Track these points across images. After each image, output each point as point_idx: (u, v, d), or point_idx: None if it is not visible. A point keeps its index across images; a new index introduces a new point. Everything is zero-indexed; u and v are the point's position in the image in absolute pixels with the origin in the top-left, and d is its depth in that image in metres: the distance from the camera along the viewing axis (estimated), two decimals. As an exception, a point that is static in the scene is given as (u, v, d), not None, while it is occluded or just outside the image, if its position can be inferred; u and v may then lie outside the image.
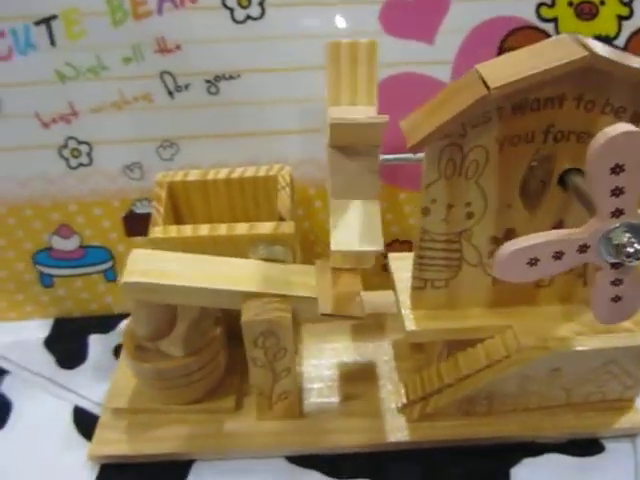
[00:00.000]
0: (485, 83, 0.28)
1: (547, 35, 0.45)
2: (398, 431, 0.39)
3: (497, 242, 0.35)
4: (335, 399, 0.41)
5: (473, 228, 0.34)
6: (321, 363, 0.43)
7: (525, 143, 0.31)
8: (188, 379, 0.37)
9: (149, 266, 0.35)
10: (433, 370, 0.39)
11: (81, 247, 0.48)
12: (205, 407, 0.40)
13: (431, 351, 0.41)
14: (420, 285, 0.37)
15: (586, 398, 0.39)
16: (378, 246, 0.30)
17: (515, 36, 0.45)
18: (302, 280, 0.36)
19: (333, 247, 0.30)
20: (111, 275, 0.49)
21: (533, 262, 0.29)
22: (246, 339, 0.34)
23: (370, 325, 0.46)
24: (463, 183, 0.32)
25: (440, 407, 0.38)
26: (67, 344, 0.48)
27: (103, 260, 0.49)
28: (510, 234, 0.35)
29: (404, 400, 0.40)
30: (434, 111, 0.29)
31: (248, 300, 0.34)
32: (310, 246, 0.49)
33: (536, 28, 0.45)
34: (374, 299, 0.46)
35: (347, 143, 0.31)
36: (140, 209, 0.47)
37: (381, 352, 0.44)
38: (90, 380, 0.44)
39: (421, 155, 0.33)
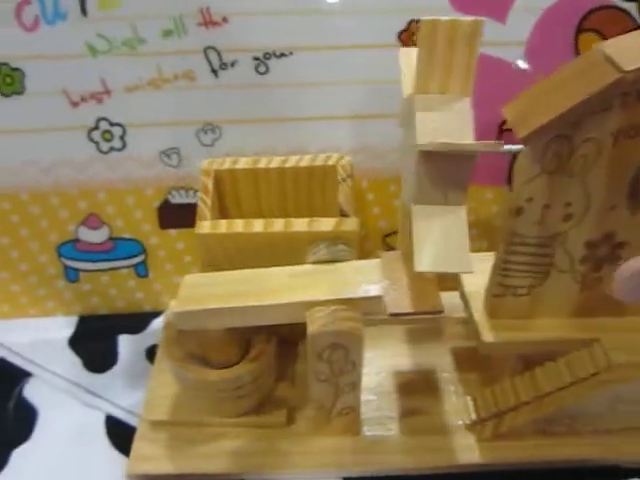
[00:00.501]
0: (615, 65, 0.24)
1: (629, 16, 0.41)
2: (468, 451, 0.35)
3: (592, 247, 0.31)
4: (394, 413, 0.37)
5: (569, 231, 0.30)
6: (374, 372, 0.40)
7: (643, 136, 0.27)
8: (239, 392, 0.34)
9: (203, 291, 0.32)
10: (507, 385, 0.35)
11: (110, 239, 0.44)
12: (254, 421, 0.36)
13: (501, 363, 0.37)
14: (500, 292, 0.33)
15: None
16: (468, 268, 0.27)
17: (594, 16, 0.41)
18: (369, 277, 0.32)
19: (417, 267, 0.26)
20: (142, 270, 0.45)
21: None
22: (311, 352, 0.30)
23: (426, 330, 0.42)
24: (566, 180, 0.28)
25: (516, 426, 0.35)
26: (94, 345, 0.44)
27: (134, 254, 0.45)
28: (609, 238, 0.31)
29: (473, 417, 0.36)
30: (548, 96, 0.25)
31: (312, 309, 0.30)
32: (361, 242, 0.45)
33: (617, 8, 0.40)
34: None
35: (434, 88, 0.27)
36: (176, 199, 0.43)
37: (440, 360, 0.41)
38: (122, 386, 0.41)
39: (516, 147, 0.29)
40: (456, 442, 0.36)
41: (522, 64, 0.40)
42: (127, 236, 0.44)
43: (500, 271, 0.32)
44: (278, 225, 0.34)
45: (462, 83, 0.28)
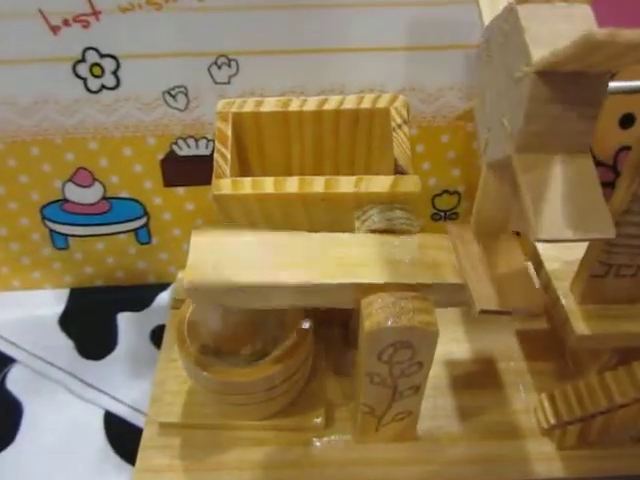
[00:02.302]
0: None
1: None
2: (546, 461, 0.29)
3: None
4: (453, 413, 0.31)
5: None
6: (429, 362, 0.33)
7: None
8: (269, 394, 0.27)
9: (220, 256, 0.24)
10: (596, 382, 0.29)
11: (105, 199, 0.37)
12: (286, 424, 0.29)
13: (586, 354, 0.31)
14: (601, 272, 0.26)
15: None
16: (608, 230, 0.19)
17: None
18: (440, 258, 0.25)
19: (541, 235, 0.18)
20: (144, 236, 0.38)
21: None
22: (366, 351, 0.23)
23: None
24: None
25: (607, 433, 0.28)
26: (89, 324, 0.37)
27: (134, 216, 0.37)
28: None
29: (552, 420, 0.30)
30: None
31: (370, 296, 0.23)
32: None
33: None
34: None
35: (571, 70, 0.19)
36: (184, 150, 0.35)
37: (503, 347, 0.34)
38: (123, 375, 0.34)
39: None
40: (531, 450, 0.29)
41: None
42: (125, 195, 0.37)
43: (605, 246, 0.25)
44: (317, 184, 0.26)
45: None
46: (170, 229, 0.38)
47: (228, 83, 0.33)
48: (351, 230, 0.27)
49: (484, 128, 0.24)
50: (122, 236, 0.38)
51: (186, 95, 0.34)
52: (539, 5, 0.20)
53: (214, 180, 0.27)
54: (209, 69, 0.33)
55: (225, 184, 0.27)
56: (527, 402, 0.31)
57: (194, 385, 0.29)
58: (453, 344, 0.34)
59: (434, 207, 0.38)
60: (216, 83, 0.33)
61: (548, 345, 0.34)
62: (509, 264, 0.25)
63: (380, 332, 0.23)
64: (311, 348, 0.28)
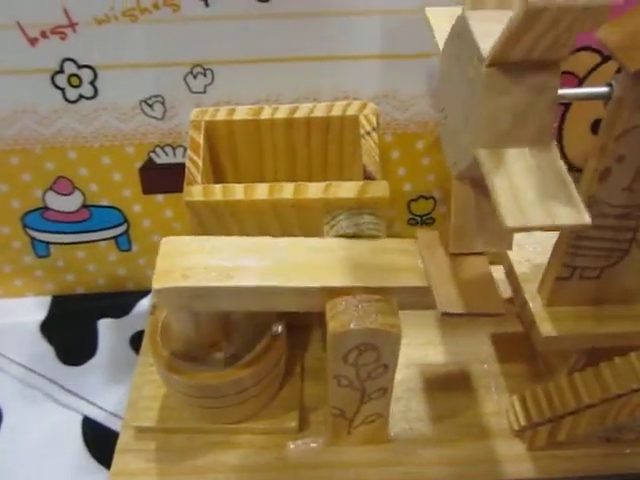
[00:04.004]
0: None
1: None
2: (517, 462, 0.29)
3: (689, 218, 0.24)
4: (426, 416, 0.31)
5: (664, 198, 0.24)
6: (401, 365, 0.33)
7: None
8: (241, 396, 0.28)
9: (189, 262, 0.25)
10: (565, 383, 0.29)
11: (85, 207, 0.37)
12: (260, 427, 0.30)
13: (556, 355, 0.31)
14: (566, 275, 0.27)
15: None
16: (581, 217, 0.19)
17: None
18: (405, 262, 0.25)
19: (509, 222, 0.18)
20: (124, 243, 0.39)
21: None
22: (332, 354, 0.24)
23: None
24: (673, 132, 0.21)
25: (576, 434, 0.29)
26: (69, 331, 0.37)
27: (114, 224, 0.38)
28: None
29: (523, 421, 0.30)
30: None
31: (335, 299, 0.24)
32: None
33: None
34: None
35: (520, 57, 0.19)
36: (162, 158, 0.36)
37: (477, 350, 0.34)
38: (102, 381, 0.35)
39: (603, 89, 0.22)
40: (501, 451, 0.30)
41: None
42: (105, 203, 0.37)
43: (568, 249, 0.26)
44: (287, 190, 0.27)
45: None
46: (150, 236, 0.38)
47: (204, 92, 0.34)
48: (321, 235, 0.27)
49: (448, 139, 0.25)
50: (102, 243, 0.39)
51: (163, 104, 0.34)
52: (488, 11, 0.21)
53: (186, 187, 0.28)
54: (185, 78, 0.34)
55: (196, 190, 0.27)
56: (499, 404, 0.32)
57: (168, 389, 0.29)
58: (428, 347, 0.35)
59: (410, 212, 0.39)
60: (192, 92, 0.34)
61: (521, 348, 0.34)
62: (473, 268, 0.25)
63: (344, 334, 0.23)
64: (283, 352, 0.29)
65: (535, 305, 0.28)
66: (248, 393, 0.28)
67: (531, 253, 0.30)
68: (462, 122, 0.22)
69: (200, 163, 0.28)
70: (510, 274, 0.30)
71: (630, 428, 0.29)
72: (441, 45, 0.24)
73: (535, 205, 0.19)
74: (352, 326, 0.23)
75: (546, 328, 0.27)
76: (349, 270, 0.25)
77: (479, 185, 0.22)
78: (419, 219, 0.39)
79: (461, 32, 0.21)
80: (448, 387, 0.33)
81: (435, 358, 0.34)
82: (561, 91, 0.21)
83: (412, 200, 0.38)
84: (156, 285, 0.24)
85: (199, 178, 0.28)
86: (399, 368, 0.33)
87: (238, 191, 0.27)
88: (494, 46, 0.19)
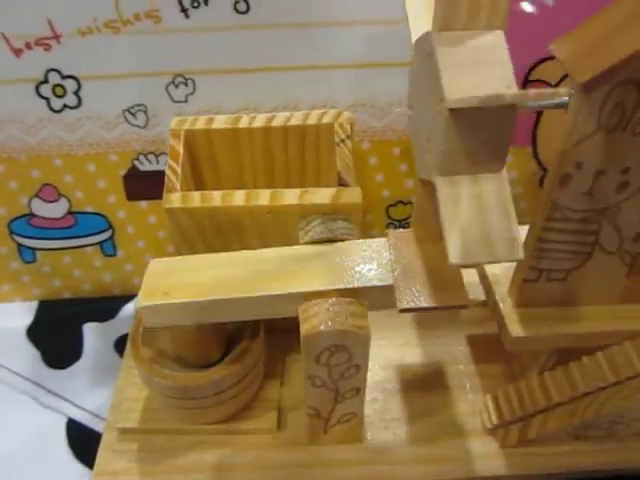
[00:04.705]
0: None
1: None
2: (489, 460, 0.30)
3: (650, 222, 0.25)
4: (402, 415, 0.32)
5: (622, 204, 0.25)
6: (380, 365, 0.34)
7: None
8: (220, 397, 0.28)
9: (172, 280, 0.26)
10: (536, 382, 0.30)
11: (70, 213, 0.38)
12: (240, 427, 0.30)
13: (528, 355, 0.32)
14: (533, 277, 0.27)
15: None
16: (516, 254, 0.20)
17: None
18: (375, 262, 0.26)
19: (454, 260, 0.20)
20: (110, 248, 0.39)
21: None
22: (306, 356, 0.25)
23: (439, 314, 0.37)
24: (627, 140, 0.22)
25: (546, 431, 0.30)
26: (56, 335, 0.38)
27: (99, 230, 0.39)
28: (671, 211, 0.25)
29: (495, 419, 0.31)
30: (617, 29, 0.19)
31: (307, 303, 0.25)
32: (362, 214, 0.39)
33: None
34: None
35: (459, 22, 0.20)
36: (145, 165, 0.37)
37: (455, 350, 0.35)
38: (87, 384, 0.35)
39: (562, 99, 0.23)
40: (475, 449, 0.30)
41: None
42: (90, 209, 0.38)
43: (534, 252, 0.26)
44: (263, 197, 0.28)
45: (493, 12, 0.21)
46: (134, 241, 0.39)
47: (185, 101, 0.35)
48: (297, 240, 0.28)
49: (415, 140, 0.25)
50: (88, 249, 0.39)
51: (145, 113, 0.35)
52: (455, 34, 0.22)
53: (165, 194, 0.28)
54: (167, 88, 0.34)
55: (175, 198, 0.28)
56: (474, 403, 0.33)
57: (149, 390, 0.30)
58: (405, 348, 0.35)
59: (389, 217, 0.40)
60: (174, 101, 0.35)
61: (497, 348, 0.34)
62: (442, 263, 0.26)
63: (315, 336, 0.24)
64: (262, 354, 0.30)
65: (505, 306, 0.29)
66: (227, 394, 0.28)
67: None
68: (425, 136, 0.23)
69: (179, 171, 0.29)
70: (482, 276, 0.31)
71: (597, 425, 0.30)
72: (414, 36, 0.25)
73: (478, 243, 0.20)
74: (322, 328, 0.24)
75: (515, 329, 0.28)
76: (321, 274, 0.26)
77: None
78: (398, 224, 0.40)
79: (428, 54, 0.22)
80: (424, 387, 0.34)
81: (412, 359, 0.35)
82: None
83: (391, 205, 0.39)
84: (140, 304, 0.25)
85: (178, 185, 0.29)
86: (377, 369, 0.35)
87: (216, 198, 0.28)
88: (457, 100, 0.20)
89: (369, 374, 0.34)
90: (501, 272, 0.30)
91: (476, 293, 0.31)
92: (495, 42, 0.21)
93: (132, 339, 0.29)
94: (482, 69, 0.21)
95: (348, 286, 0.25)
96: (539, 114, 0.37)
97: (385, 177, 0.38)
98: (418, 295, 0.25)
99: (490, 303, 0.30)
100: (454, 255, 0.21)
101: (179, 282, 0.26)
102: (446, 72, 0.21)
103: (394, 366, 0.34)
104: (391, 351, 0.35)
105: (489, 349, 0.36)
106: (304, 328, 0.24)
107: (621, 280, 0.28)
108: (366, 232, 0.39)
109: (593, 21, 0.20)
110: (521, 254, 0.20)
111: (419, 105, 0.25)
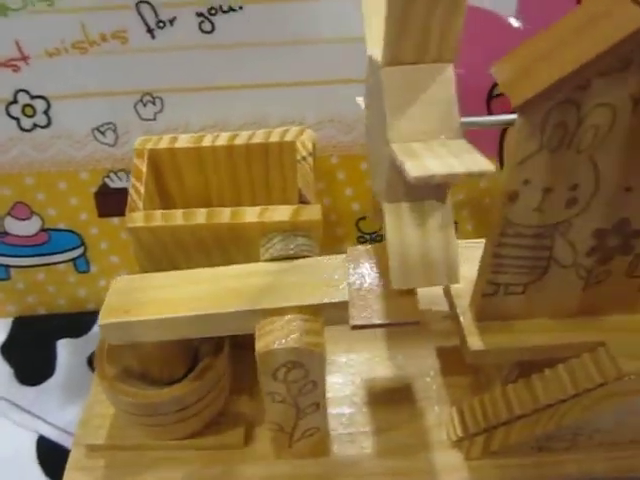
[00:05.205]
0: (643, 5, 0.18)
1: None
2: (453, 472, 0.30)
3: (601, 237, 0.26)
4: (369, 429, 0.32)
5: (573, 219, 0.25)
6: (348, 379, 0.35)
7: (671, 101, 0.21)
8: (184, 413, 0.29)
9: (134, 297, 0.26)
10: (498, 395, 0.30)
11: (43, 231, 0.38)
12: (206, 442, 0.31)
13: (492, 368, 0.32)
14: (491, 291, 0.28)
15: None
16: (454, 280, 0.21)
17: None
18: (333, 279, 0.26)
19: (395, 285, 0.21)
20: (83, 264, 0.40)
21: None
22: (262, 372, 0.25)
23: (408, 328, 0.37)
24: (572, 158, 0.23)
25: (508, 443, 0.30)
26: (29, 351, 0.38)
27: (72, 246, 0.39)
28: (622, 226, 0.25)
29: (460, 432, 0.31)
30: (551, 52, 0.19)
31: (264, 321, 0.25)
32: (331, 229, 0.39)
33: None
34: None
35: (408, 55, 0.21)
36: (116, 182, 0.37)
37: (424, 363, 0.36)
38: (59, 400, 0.36)
39: (509, 117, 0.24)
40: (440, 462, 0.31)
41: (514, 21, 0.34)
42: (62, 227, 0.38)
43: (490, 267, 0.27)
44: (224, 215, 0.28)
45: (443, 45, 0.21)
46: (107, 257, 0.40)
47: (154, 119, 0.35)
48: (258, 257, 0.29)
49: (371, 158, 0.26)
50: (61, 266, 0.40)
51: (115, 131, 0.36)
52: (404, 70, 0.22)
53: (127, 213, 0.29)
54: (135, 107, 0.35)
55: (138, 217, 0.29)
56: (440, 416, 0.33)
57: (114, 407, 0.30)
58: (374, 361, 0.36)
59: (359, 230, 0.40)
60: (142, 119, 0.35)
61: (465, 362, 0.35)
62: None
63: (269, 353, 0.24)
64: (225, 371, 0.30)
65: (465, 320, 0.29)
66: (189, 411, 0.29)
67: (465, 268, 0.32)
68: (376, 158, 0.23)
69: (142, 190, 0.29)
70: (446, 290, 0.32)
71: (560, 437, 0.30)
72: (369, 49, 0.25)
73: (417, 268, 0.22)
74: (276, 346, 0.24)
75: (474, 342, 0.28)
76: (279, 291, 0.26)
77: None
78: (368, 237, 0.40)
79: (377, 85, 0.22)
80: (392, 400, 0.34)
81: (381, 372, 0.35)
82: (467, 119, 0.23)
83: (360, 219, 0.40)
84: (100, 321, 0.25)
85: (141, 204, 0.29)
86: (345, 383, 0.35)
87: (178, 217, 0.28)
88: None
89: (338, 388, 0.34)
90: (463, 286, 0.30)
91: (447, 306, 0.31)
92: (443, 77, 0.22)
93: (97, 356, 0.29)
94: (427, 109, 0.21)
95: (304, 303, 0.25)
96: (506, 128, 0.37)
97: (354, 191, 0.38)
98: (371, 312, 0.25)
99: (453, 317, 0.30)
100: (394, 281, 0.22)
101: (140, 300, 0.26)
102: (392, 113, 0.21)
103: (363, 379, 0.35)
104: (360, 366, 0.35)
105: (458, 361, 0.36)
106: (258, 345, 0.24)
107: (578, 293, 0.28)
108: (337, 246, 0.40)
109: (530, 45, 0.20)
110: (457, 280, 0.21)
111: (372, 121, 0.26)
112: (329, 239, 0.40)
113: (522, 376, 0.30)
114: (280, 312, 0.25)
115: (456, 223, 0.40)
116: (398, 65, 0.21)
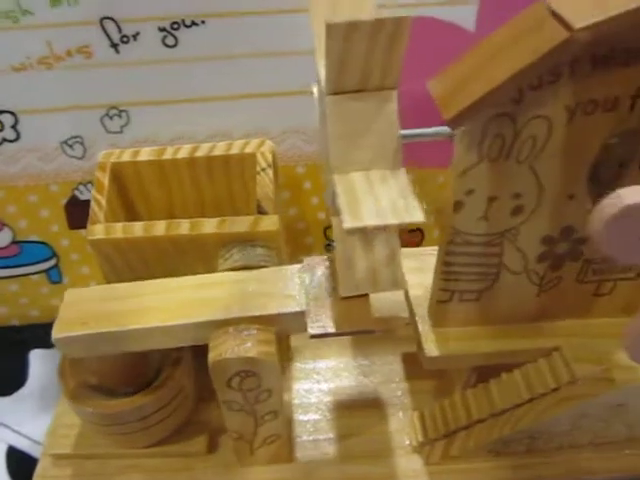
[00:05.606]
0: (563, 22, 0.18)
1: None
2: (414, 477, 0.31)
3: (550, 243, 0.26)
4: (334, 435, 0.33)
5: (520, 227, 0.25)
6: (316, 387, 0.35)
7: (604, 112, 0.22)
8: (144, 423, 0.29)
9: (89, 309, 0.27)
10: (458, 400, 0.31)
11: (15, 243, 0.39)
12: (170, 450, 0.31)
13: (453, 373, 0.33)
14: (445, 298, 0.28)
15: (650, 431, 0.31)
16: (399, 286, 0.22)
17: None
18: (288, 289, 0.27)
19: (342, 293, 0.22)
20: (56, 275, 0.40)
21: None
22: (216, 382, 0.25)
23: (377, 334, 0.37)
24: (512, 168, 0.23)
25: (467, 448, 0.30)
26: (2, 362, 0.39)
27: (44, 258, 0.40)
28: (568, 233, 0.26)
29: (421, 437, 0.32)
30: (481, 67, 0.20)
31: (218, 331, 0.25)
32: (299, 237, 0.40)
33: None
34: (379, 299, 0.38)
35: (351, 84, 0.21)
36: (85, 195, 0.37)
37: (390, 370, 0.36)
38: (30, 410, 0.36)
39: (442, 129, 0.24)
40: (401, 467, 0.31)
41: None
42: (34, 238, 0.39)
43: (443, 274, 0.27)
44: (183, 227, 0.29)
45: (385, 73, 0.22)
46: (79, 268, 0.40)
47: (121, 132, 0.36)
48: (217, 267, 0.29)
49: (324, 170, 0.27)
50: (34, 277, 0.40)
51: (82, 144, 0.36)
52: (347, 99, 0.23)
53: (89, 226, 0.29)
54: (101, 120, 0.35)
55: (99, 229, 0.29)
56: (404, 421, 0.33)
57: (78, 417, 0.31)
58: (340, 367, 0.36)
59: (327, 238, 0.41)
60: (109, 132, 0.36)
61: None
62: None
63: (221, 363, 0.25)
64: (186, 380, 0.30)
65: (423, 326, 0.30)
66: (151, 420, 0.29)
67: (426, 277, 0.32)
68: (327, 173, 0.24)
69: (104, 202, 0.30)
70: (406, 297, 0.32)
71: (518, 441, 0.31)
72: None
73: (364, 276, 0.23)
74: (227, 355, 0.24)
75: (430, 348, 0.29)
76: (235, 301, 0.26)
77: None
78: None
79: (323, 109, 0.23)
80: (358, 406, 0.34)
81: (347, 378, 0.36)
82: (405, 131, 0.23)
83: (328, 227, 0.40)
84: (55, 334, 0.26)
85: (102, 217, 0.29)
86: (312, 390, 0.35)
87: (137, 228, 0.29)
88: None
89: (304, 395, 0.35)
90: (422, 293, 0.31)
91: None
92: (386, 106, 0.22)
93: (60, 368, 0.30)
94: (370, 138, 0.22)
95: (259, 313, 0.26)
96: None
97: (320, 200, 0.39)
98: (327, 321, 0.26)
99: (412, 323, 0.31)
100: (342, 288, 0.23)
101: (97, 312, 0.27)
102: (335, 142, 0.22)
103: (329, 386, 0.35)
104: (326, 371, 0.36)
105: (423, 367, 0.36)
106: (210, 355, 0.25)
107: (533, 299, 0.29)
108: (305, 253, 0.40)
109: (463, 60, 0.21)
110: (402, 286, 0.22)
111: (322, 139, 0.26)
112: (297, 248, 0.40)
113: (481, 381, 0.31)
114: (234, 322, 0.26)
115: (422, 230, 0.41)
116: (341, 94, 0.22)
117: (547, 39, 0.18)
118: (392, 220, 0.20)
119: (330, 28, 0.19)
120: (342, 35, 0.20)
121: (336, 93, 0.22)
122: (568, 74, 0.20)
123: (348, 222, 0.20)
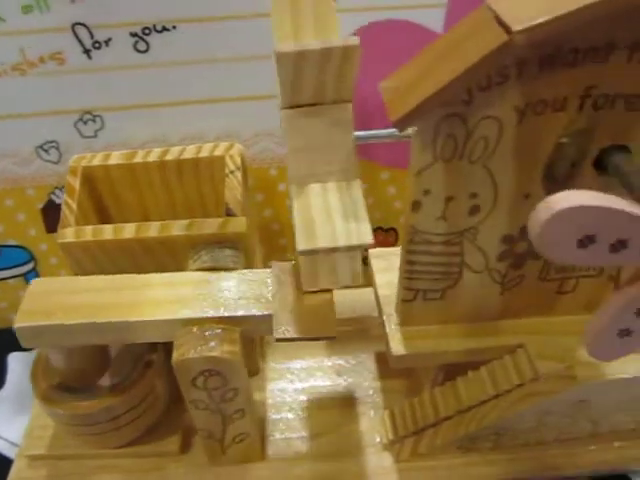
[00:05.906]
0: (504, 25, 0.19)
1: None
2: (384, 474, 0.31)
3: (509, 242, 0.27)
4: (306, 434, 0.33)
5: (479, 226, 0.26)
6: (289, 387, 0.35)
7: (553, 112, 0.22)
8: (114, 423, 0.29)
9: (51, 300, 0.27)
10: (426, 397, 0.31)
11: (-8, 247, 0.39)
12: (143, 450, 0.32)
13: (422, 371, 0.33)
14: (409, 297, 0.29)
15: (615, 427, 0.32)
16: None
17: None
18: (255, 292, 0.27)
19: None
20: (33, 279, 0.40)
21: (586, 241, 0.19)
22: (181, 381, 0.26)
23: (350, 333, 0.38)
24: (467, 168, 0.24)
25: (436, 445, 0.31)
26: (-19, 366, 0.39)
27: (22, 261, 0.40)
28: (526, 232, 0.26)
29: (391, 435, 0.32)
30: (428, 69, 0.20)
31: (182, 330, 0.26)
32: (274, 238, 0.40)
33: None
34: (354, 299, 0.38)
35: (306, 99, 0.22)
36: (61, 199, 0.38)
37: (363, 368, 0.36)
38: (8, 413, 0.36)
39: (408, 130, 0.25)
40: (371, 465, 0.32)
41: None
42: (12, 242, 0.39)
43: (406, 273, 0.28)
44: (153, 229, 0.29)
45: (340, 87, 0.22)
46: (57, 271, 0.40)
47: (95, 137, 0.36)
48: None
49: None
50: (12, 281, 0.40)
51: (58, 149, 0.36)
52: (303, 112, 0.23)
53: (59, 229, 0.30)
54: (76, 125, 0.36)
55: (69, 232, 0.30)
56: (375, 420, 0.34)
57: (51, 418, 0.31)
58: (314, 366, 0.36)
59: (303, 240, 0.41)
60: (83, 137, 0.36)
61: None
62: (315, 296, 0.27)
63: (185, 362, 0.25)
64: (157, 380, 0.31)
65: (389, 325, 0.30)
66: (122, 420, 0.29)
67: (395, 277, 0.33)
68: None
69: (75, 206, 0.30)
70: (376, 297, 0.33)
71: (484, 437, 0.31)
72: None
73: (325, 271, 0.24)
74: (191, 355, 0.25)
75: (396, 347, 0.29)
76: (201, 301, 0.27)
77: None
78: (312, 246, 0.41)
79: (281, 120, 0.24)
80: (331, 405, 0.35)
81: (320, 377, 0.36)
82: (362, 133, 0.24)
83: (303, 229, 0.41)
84: (16, 324, 0.26)
85: (72, 220, 0.30)
86: (286, 391, 0.36)
87: (107, 231, 0.29)
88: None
89: (278, 394, 0.35)
90: (390, 292, 0.32)
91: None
92: (342, 118, 0.23)
93: (32, 370, 0.30)
94: (326, 150, 0.23)
95: (224, 314, 0.26)
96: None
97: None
98: (292, 326, 0.26)
99: (381, 323, 0.31)
100: (305, 282, 0.23)
101: (61, 303, 0.27)
102: (292, 154, 0.22)
103: (302, 385, 0.35)
104: (300, 370, 0.36)
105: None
106: (175, 355, 0.25)
107: (497, 297, 0.29)
108: (280, 254, 0.41)
109: (413, 62, 0.21)
110: (359, 281, 0.22)
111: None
112: (273, 249, 0.41)
113: (449, 378, 0.31)
114: (198, 322, 0.26)
115: (396, 230, 0.42)
116: (297, 108, 0.23)
117: (488, 41, 0.19)
118: (342, 243, 0.21)
119: (279, 57, 0.20)
120: (292, 63, 0.20)
121: (291, 107, 0.22)
122: (516, 75, 0.21)
123: (301, 245, 0.21)
